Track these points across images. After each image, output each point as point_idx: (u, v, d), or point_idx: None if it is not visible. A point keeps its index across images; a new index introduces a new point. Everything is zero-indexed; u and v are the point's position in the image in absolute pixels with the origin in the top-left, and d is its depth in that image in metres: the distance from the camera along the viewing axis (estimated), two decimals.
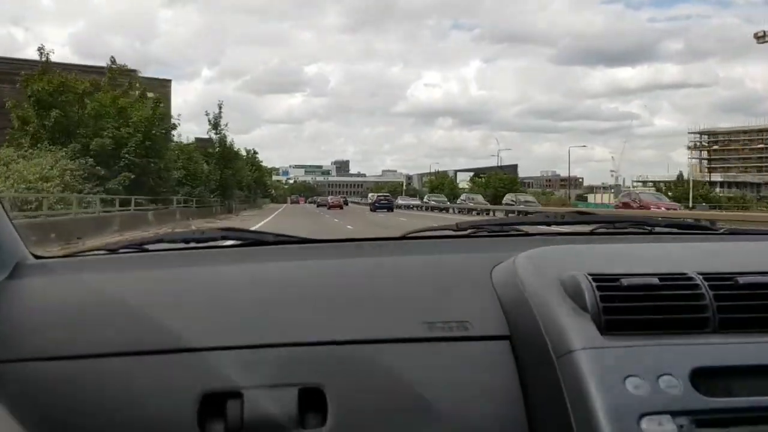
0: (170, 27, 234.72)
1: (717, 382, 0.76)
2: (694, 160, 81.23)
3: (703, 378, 0.76)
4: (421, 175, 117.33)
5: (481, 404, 0.83)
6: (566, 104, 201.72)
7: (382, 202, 44.21)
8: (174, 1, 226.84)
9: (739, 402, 0.75)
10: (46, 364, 0.86)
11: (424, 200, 52.69)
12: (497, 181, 57.74)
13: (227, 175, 39.04)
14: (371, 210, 41.47)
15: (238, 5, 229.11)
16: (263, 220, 24.35)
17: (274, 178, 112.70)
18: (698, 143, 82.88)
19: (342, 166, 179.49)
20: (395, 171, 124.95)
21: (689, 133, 79.16)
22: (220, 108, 42.04)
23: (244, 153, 68.38)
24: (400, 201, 52.64)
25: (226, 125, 41.27)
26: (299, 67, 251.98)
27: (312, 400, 0.82)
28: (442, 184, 74.44)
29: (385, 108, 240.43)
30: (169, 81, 37.44)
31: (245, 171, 55.32)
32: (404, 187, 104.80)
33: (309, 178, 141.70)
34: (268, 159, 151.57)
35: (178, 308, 0.93)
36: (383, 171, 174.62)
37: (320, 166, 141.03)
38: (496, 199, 46.12)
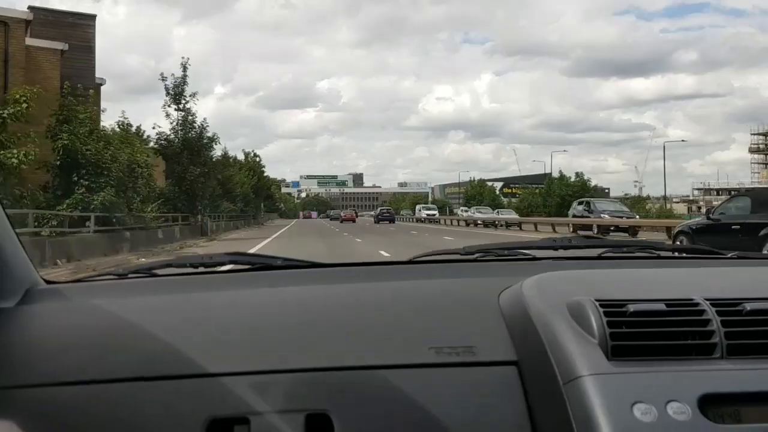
0: (184, 45, 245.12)
1: (725, 408, 0.77)
2: (757, 164, 69.90)
3: (711, 404, 0.76)
4: (444, 186, 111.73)
5: (488, 429, 0.83)
6: (579, 116, 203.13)
7: (384, 214, 53.42)
8: (188, 19, 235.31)
9: (748, 429, 0.76)
10: (57, 389, 0.87)
11: (466, 212, 48.97)
12: (562, 188, 48.33)
13: (194, 175, 27.28)
14: (375, 222, 49.05)
15: (252, 22, 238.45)
16: (253, 247, 16.81)
17: (284, 190, 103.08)
18: (764, 145, 71.30)
19: (356, 179, 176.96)
20: (418, 183, 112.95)
21: (752, 134, 71.58)
22: (185, 70, 27.52)
23: (242, 157, 56.30)
24: (423, 213, 51.48)
25: (194, 96, 27.85)
26: (312, 83, 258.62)
27: (319, 426, 0.83)
28: (480, 194, 66.90)
29: (397, 122, 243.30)
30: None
31: (239, 177, 44.90)
32: (431, 200, 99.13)
33: (323, 190, 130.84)
34: (280, 174, 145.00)
35: (186, 333, 0.95)
36: (399, 183, 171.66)
37: (335, 177, 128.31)
38: (561, 210, 40.42)
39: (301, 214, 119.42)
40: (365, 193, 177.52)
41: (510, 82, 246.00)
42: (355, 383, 0.87)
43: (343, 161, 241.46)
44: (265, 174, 67.01)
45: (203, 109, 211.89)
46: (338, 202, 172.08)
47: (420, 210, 59.78)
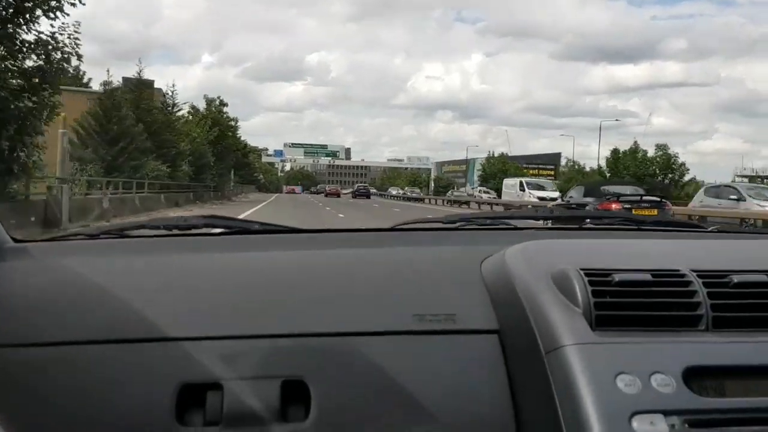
0: (173, 12, 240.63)
1: (710, 381, 0.77)
2: None
3: (695, 377, 0.76)
4: (441, 164, 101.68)
5: (468, 398, 0.83)
6: (566, 100, 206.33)
7: (361, 190, 59.79)
8: None
9: (731, 402, 0.75)
10: (23, 349, 0.86)
11: (487, 194, 42.40)
12: (638, 165, 37.41)
13: (125, 127, 22.40)
14: (352, 197, 54.80)
15: None
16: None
17: (265, 159, 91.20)
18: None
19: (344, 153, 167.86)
20: (419, 158, 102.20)
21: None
22: None
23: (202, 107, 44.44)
24: (536, 195, 30.70)
25: None
26: (302, 56, 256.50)
27: (295, 393, 0.83)
28: (502, 170, 55.47)
29: (385, 99, 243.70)
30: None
31: (190, 128, 36.16)
32: (433, 176, 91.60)
33: (310, 162, 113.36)
34: (266, 146, 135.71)
35: (158, 296, 0.94)
36: (388, 159, 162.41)
37: (324, 146, 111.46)
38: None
39: (284, 188, 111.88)
40: (353, 167, 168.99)
41: (500, 63, 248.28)
42: (334, 350, 0.86)
43: (330, 137, 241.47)
44: (241, 137, 56.44)
45: (189, 78, 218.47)
46: (325, 177, 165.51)
47: (525, 188, 32.49)
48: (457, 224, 1.36)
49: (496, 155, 68.11)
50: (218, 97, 45.69)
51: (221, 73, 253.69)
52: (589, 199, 13.32)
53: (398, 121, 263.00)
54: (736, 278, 0.87)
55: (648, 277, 0.86)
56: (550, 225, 1.40)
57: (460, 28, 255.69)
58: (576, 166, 50.46)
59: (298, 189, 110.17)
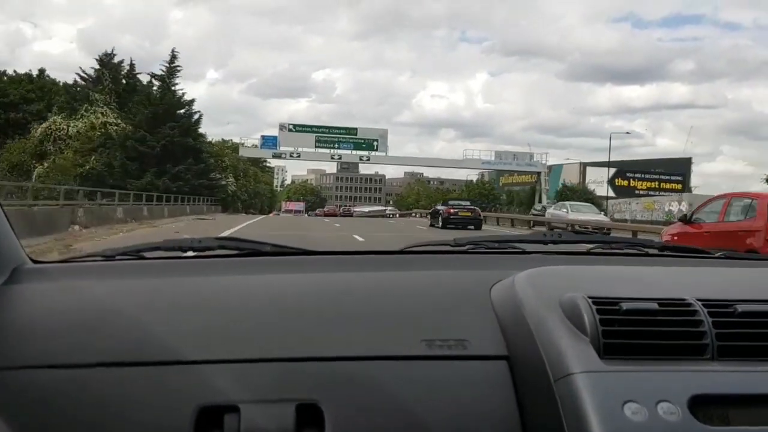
0: (180, 27, 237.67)
1: (715, 410, 0.81)
2: None
3: (701, 406, 0.81)
4: (500, 173, 75.88)
5: (478, 425, 0.88)
6: (571, 120, 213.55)
7: (346, 212, 68.29)
8: (185, 2, 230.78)
9: (736, 431, 0.81)
10: (42, 371, 0.90)
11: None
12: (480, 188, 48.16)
13: None
14: (341, 215, 60.01)
15: (251, 7, 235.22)
16: None
17: (246, 153, 60.96)
18: None
19: (351, 167, 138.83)
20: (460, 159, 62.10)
21: None
22: None
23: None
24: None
25: None
26: (307, 73, 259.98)
27: (309, 417, 0.87)
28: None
29: (389, 117, 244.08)
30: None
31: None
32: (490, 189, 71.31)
33: (327, 157, 60.50)
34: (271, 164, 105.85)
35: (175, 319, 1.00)
36: (405, 173, 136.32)
37: (353, 130, 58.26)
38: None
39: (283, 204, 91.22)
40: (368, 176, 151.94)
41: (505, 82, 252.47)
42: (346, 374, 0.91)
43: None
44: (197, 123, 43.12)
45: (194, 93, 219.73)
46: (332, 192, 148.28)
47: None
48: (466, 247, 1.40)
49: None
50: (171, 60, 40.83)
51: (226, 89, 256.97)
52: (442, 207, 28.66)
53: (402, 139, 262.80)
54: (740, 308, 0.91)
55: (655, 306, 0.90)
56: (558, 249, 1.45)
57: (465, 47, 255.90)
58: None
59: (298, 206, 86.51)
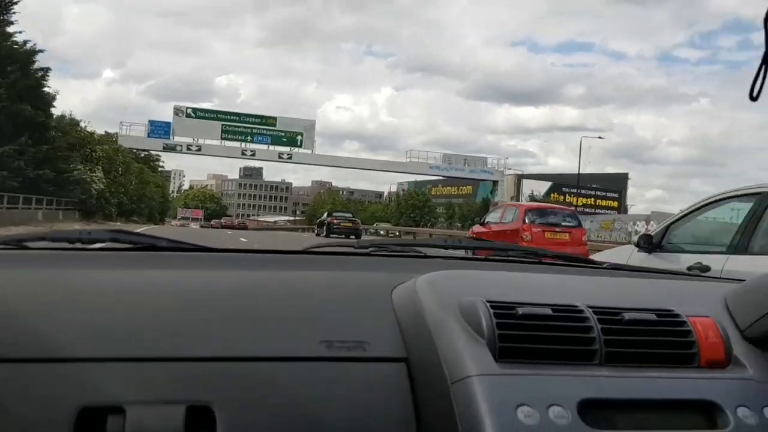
0: (76, 24, 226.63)
1: (602, 414, 0.84)
2: None
3: (589, 410, 0.83)
4: (421, 184, 69.76)
5: (375, 426, 0.87)
6: (469, 137, 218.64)
7: (240, 224, 67.82)
8: None
9: None
10: None
11: None
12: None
13: None
14: (220, 228, 58.66)
15: (154, 8, 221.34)
16: None
17: (123, 141, 46.01)
18: None
19: (254, 174, 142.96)
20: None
21: None
22: None
23: None
24: None
25: None
26: (210, 77, 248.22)
27: (201, 419, 0.83)
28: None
29: None
30: None
31: None
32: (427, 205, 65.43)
33: (238, 151, 45.98)
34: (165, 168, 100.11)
35: (59, 313, 0.92)
36: (312, 182, 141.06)
37: (272, 119, 46.13)
38: None
39: (179, 212, 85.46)
40: (274, 183, 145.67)
41: (409, 97, 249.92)
42: (241, 375, 0.88)
43: (235, 159, 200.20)
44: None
45: (88, 92, 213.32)
46: (234, 200, 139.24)
47: None
48: (369, 250, 1.43)
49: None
50: None
51: (123, 90, 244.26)
52: (327, 218, 33.93)
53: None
54: (627, 315, 0.94)
55: (549, 311, 0.92)
56: (458, 255, 1.53)
57: (371, 61, 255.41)
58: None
59: (196, 214, 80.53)
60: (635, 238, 5.24)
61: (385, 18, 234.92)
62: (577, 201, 53.70)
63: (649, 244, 4.97)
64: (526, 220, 13.58)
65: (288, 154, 46.89)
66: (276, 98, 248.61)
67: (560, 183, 61.39)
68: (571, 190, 58.37)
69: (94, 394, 0.82)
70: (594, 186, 58.34)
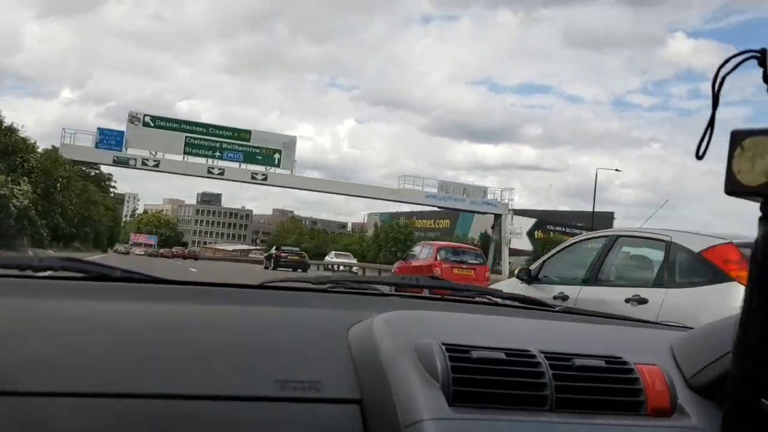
0: (37, 43, 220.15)
1: None
2: None
3: None
4: (393, 216, 72.88)
5: None
6: (430, 172, 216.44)
7: (190, 253, 69.89)
8: (45, 16, 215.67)
9: None
10: None
11: None
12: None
13: None
14: (172, 257, 59.72)
15: (116, 30, 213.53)
16: None
17: (65, 151, 37.11)
18: None
19: (213, 200, 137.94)
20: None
21: None
22: None
23: None
24: None
25: None
26: (172, 101, 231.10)
27: None
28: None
29: None
30: None
31: None
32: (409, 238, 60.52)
33: (203, 167, 37.55)
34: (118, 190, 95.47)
35: (1, 344, 0.89)
36: (273, 210, 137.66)
37: (245, 132, 38.74)
38: None
39: (132, 237, 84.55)
40: (233, 210, 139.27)
41: (371, 130, 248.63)
42: (191, 414, 0.85)
43: (195, 184, 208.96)
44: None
45: (45, 112, 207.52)
46: (190, 226, 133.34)
47: None
48: (326, 286, 1.41)
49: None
50: None
51: (81, 111, 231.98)
52: (275, 251, 37.39)
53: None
54: (577, 362, 0.95)
55: (502, 355, 0.92)
56: (414, 293, 1.55)
57: (335, 93, 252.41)
58: None
59: (149, 240, 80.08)
60: (516, 272, 6.68)
61: (351, 51, 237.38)
62: (563, 239, 49.17)
63: (528, 276, 6.25)
64: (438, 257, 15.62)
65: (263, 174, 39.43)
66: (239, 125, 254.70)
67: (544, 220, 61.90)
68: (556, 228, 59.91)
69: (36, 429, 0.79)
70: (579, 225, 56.08)
